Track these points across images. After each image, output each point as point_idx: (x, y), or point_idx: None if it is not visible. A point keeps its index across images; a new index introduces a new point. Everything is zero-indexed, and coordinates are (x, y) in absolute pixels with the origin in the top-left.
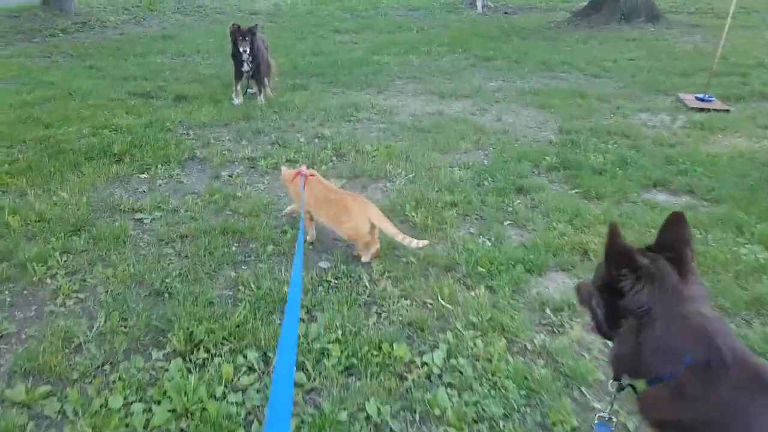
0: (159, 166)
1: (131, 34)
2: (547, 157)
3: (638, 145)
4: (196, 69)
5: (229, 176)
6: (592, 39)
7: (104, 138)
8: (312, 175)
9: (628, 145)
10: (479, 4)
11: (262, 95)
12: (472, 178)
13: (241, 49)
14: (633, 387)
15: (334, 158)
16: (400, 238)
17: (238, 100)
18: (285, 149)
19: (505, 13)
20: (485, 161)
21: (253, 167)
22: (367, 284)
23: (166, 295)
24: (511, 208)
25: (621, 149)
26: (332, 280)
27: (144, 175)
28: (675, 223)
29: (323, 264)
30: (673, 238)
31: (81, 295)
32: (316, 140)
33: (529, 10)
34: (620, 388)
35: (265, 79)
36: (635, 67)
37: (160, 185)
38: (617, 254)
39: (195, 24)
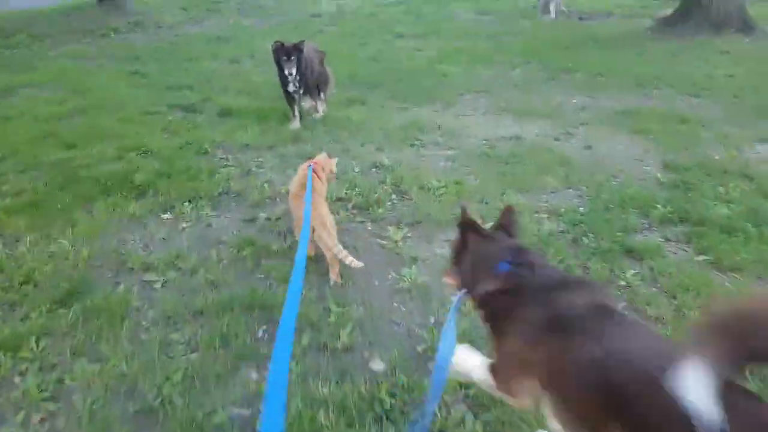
0: (186, 203)
1: (186, 35)
2: (658, 205)
3: (766, 190)
4: (247, 76)
5: (267, 219)
6: (682, 51)
7: (129, 164)
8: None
9: (755, 191)
10: (553, 9)
11: (320, 108)
12: (566, 231)
13: (286, 72)
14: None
15: (393, 196)
16: (336, 251)
17: (294, 124)
18: (336, 183)
19: (581, 18)
20: (579, 206)
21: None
22: (437, 412)
23: (161, 413)
24: (623, 281)
25: (747, 196)
26: (387, 400)
27: (167, 215)
28: (507, 213)
29: (376, 365)
30: (507, 221)
31: (52, 407)
32: (374, 170)
33: (606, 17)
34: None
35: (321, 94)
36: (736, 85)
37: (183, 230)
38: (467, 222)
39: (254, 26)
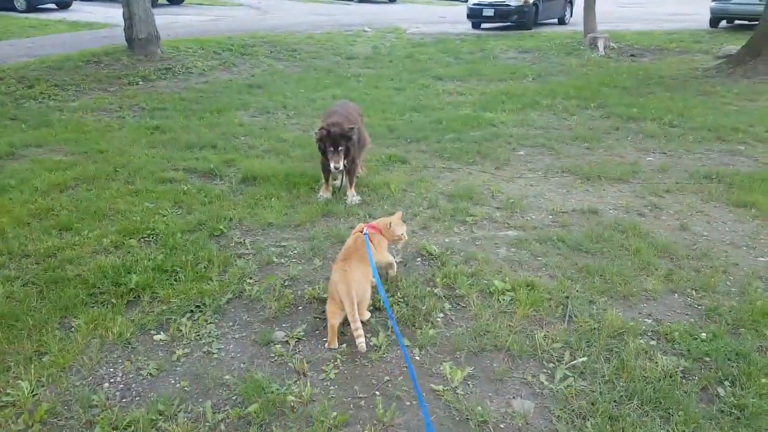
0: (186, 316)
1: (217, 82)
2: None
3: None
4: (277, 131)
5: (286, 341)
6: (758, 94)
7: (127, 256)
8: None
9: None
10: (601, 45)
11: (351, 193)
12: (688, 371)
13: (332, 165)
14: None
15: (446, 306)
16: (354, 326)
17: (325, 195)
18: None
19: (632, 55)
20: (696, 325)
21: (326, 318)
22: None
23: None
24: None
25: None
26: None
27: (160, 336)
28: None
29: None
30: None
31: None
32: (419, 261)
33: (659, 53)
34: None
35: (358, 168)
36: None
37: (177, 360)
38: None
39: (287, 70)
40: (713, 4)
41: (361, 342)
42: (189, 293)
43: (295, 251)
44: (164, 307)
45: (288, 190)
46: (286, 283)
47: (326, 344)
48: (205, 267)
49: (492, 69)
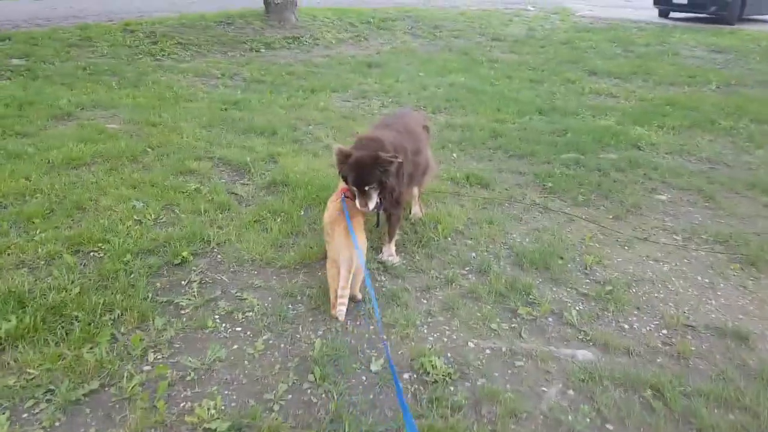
0: (31, 401)
1: (338, 56)
2: None
3: None
4: (355, 123)
5: None
6: None
7: (44, 277)
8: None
9: None
10: None
11: (388, 250)
12: None
13: (357, 204)
14: None
15: None
16: (341, 292)
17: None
18: None
19: None
20: None
21: None
22: None
23: None
24: None
25: None
26: None
27: None
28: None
29: None
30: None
31: None
32: (405, 378)
33: None
34: None
35: (416, 207)
36: None
37: None
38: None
39: (420, 49)
40: None
41: (341, 310)
42: (55, 365)
43: (248, 314)
44: (12, 380)
45: (311, 204)
46: (176, 384)
47: (332, 311)
48: (111, 320)
49: (666, 68)
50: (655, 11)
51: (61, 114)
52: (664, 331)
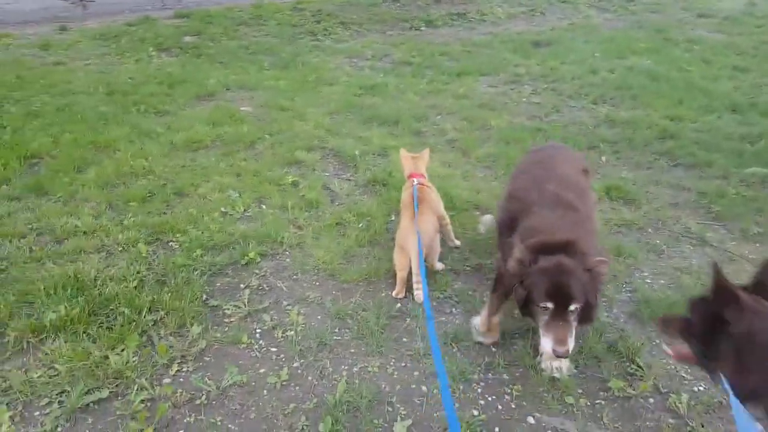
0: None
1: (503, 34)
2: None
3: None
4: (491, 115)
5: None
6: None
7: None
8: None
9: None
10: None
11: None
12: None
13: (551, 347)
14: None
15: None
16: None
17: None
18: None
19: None
20: None
21: None
22: None
23: None
24: None
25: None
26: None
27: None
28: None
29: None
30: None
31: None
32: None
33: None
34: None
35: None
36: None
37: None
38: (724, 291)
39: (604, 25)
40: None
41: (418, 293)
42: (79, 364)
43: (288, 333)
44: (37, 374)
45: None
46: (183, 407)
47: (393, 292)
48: (153, 321)
49: None
50: None
51: (205, 94)
52: None
